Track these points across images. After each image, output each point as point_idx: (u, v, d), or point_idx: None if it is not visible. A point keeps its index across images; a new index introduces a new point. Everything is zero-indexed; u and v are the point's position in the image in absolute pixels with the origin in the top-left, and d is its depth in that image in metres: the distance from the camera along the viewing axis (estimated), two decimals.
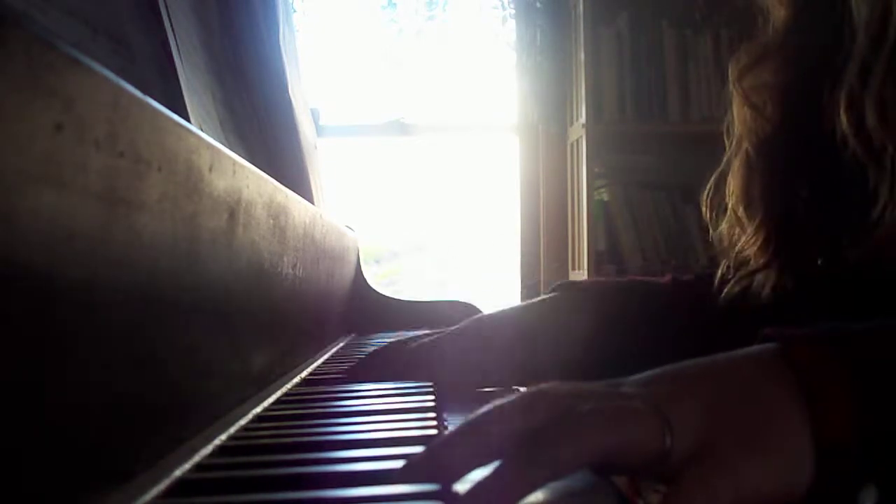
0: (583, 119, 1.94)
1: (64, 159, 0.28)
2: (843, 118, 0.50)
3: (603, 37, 2.00)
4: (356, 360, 0.72)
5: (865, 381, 0.32)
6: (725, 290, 0.62)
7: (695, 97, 1.98)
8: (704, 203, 0.65)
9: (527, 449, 0.31)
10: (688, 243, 2.00)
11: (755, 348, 0.36)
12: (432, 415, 0.49)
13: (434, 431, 0.44)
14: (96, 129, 0.30)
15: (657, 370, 0.36)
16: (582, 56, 1.96)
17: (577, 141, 2.00)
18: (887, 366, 0.33)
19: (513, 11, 2.13)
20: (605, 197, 2.04)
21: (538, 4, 2.08)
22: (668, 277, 0.72)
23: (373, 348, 0.73)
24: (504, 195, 2.30)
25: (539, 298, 0.70)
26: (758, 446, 0.32)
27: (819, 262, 0.55)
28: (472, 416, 0.34)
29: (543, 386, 0.35)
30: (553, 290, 0.70)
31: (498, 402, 0.35)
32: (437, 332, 0.68)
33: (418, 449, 0.35)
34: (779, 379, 0.33)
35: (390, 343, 0.70)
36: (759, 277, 0.60)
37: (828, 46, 0.54)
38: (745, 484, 0.31)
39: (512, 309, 0.69)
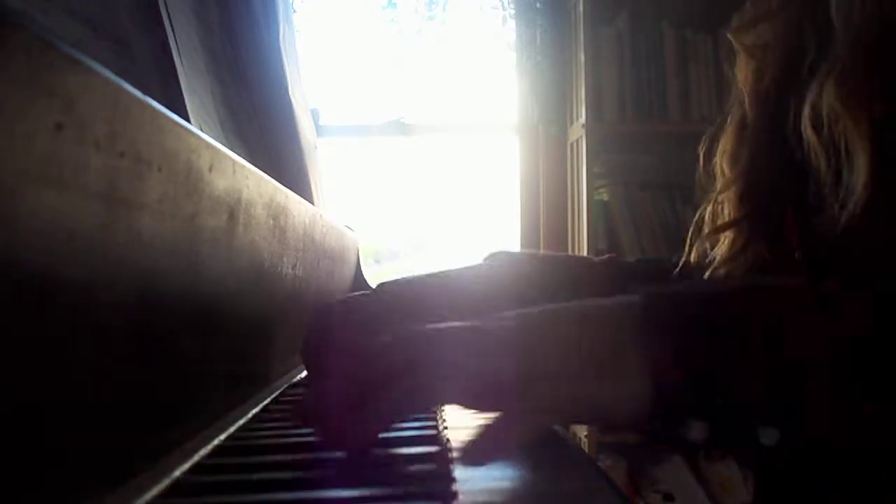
0: (583, 119, 1.94)
1: (64, 159, 0.28)
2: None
3: (603, 37, 2.00)
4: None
5: (684, 341, 0.38)
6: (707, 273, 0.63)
7: (695, 97, 1.98)
8: (700, 157, 0.66)
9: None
10: None
11: (622, 299, 0.42)
12: (432, 414, 0.49)
13: (433, 431, 0.45)
14: (96, 129, 0.30)
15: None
16: (582, 56, 1.95)
17: (577, 141, 2.00)
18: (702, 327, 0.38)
19: (513, 11, 2.13)
20: (605, 197, 2.03)
21: (538, 4, 2.08)
22: (606, 256, 0.72)
23: None
24: (504, 195, 2.30)
25: (466, 265, 0.68)
26: (602, 373, 0.38)
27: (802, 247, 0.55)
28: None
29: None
30: (485, 259, 0.69)
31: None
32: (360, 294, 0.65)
33: (418, 448, 0.36)
34: (621, 328, 0.40)
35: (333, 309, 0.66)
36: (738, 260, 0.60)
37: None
38: (579, 401, 0.38)
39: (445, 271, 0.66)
